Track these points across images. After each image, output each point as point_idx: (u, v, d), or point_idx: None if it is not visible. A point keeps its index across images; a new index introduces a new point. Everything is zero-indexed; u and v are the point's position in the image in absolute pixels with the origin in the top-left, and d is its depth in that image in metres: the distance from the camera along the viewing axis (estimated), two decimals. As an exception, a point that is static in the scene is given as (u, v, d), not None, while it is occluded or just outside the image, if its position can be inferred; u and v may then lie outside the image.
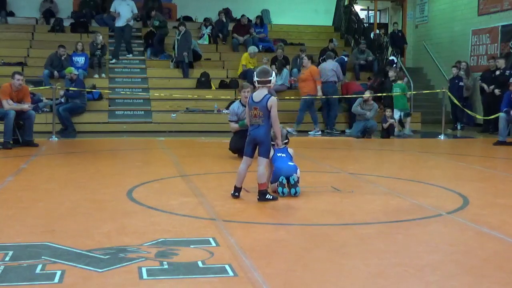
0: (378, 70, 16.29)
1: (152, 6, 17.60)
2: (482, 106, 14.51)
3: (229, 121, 9.27)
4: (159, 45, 16.63)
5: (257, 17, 18.41)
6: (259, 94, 5.75)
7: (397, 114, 13.56)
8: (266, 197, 5.73)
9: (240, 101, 9.18)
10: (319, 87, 13.71)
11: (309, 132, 13.57)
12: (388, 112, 13.18)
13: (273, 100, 5.69)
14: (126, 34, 16.10)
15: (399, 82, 14.09)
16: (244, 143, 8.91)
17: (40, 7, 19.00)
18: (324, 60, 14.74)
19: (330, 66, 14.11)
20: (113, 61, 15.90)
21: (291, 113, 14.45)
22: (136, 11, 16.24)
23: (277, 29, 19.62)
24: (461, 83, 14.75)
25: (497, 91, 13.35)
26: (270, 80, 5.73)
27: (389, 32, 19.86)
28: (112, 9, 16.21)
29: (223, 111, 13.79)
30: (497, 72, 13.67)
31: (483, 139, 13.16)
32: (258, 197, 5.75)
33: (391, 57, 16.51)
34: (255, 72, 5.88)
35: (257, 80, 5.76)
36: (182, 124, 14.04)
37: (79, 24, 17.48)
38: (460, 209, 5.52)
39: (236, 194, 5.88)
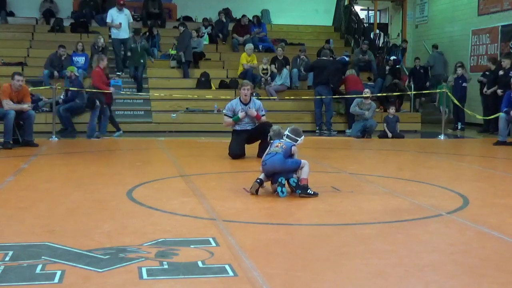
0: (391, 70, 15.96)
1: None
2: (482, 106, 14.50)
3: (224, 114, 9.28)
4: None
5: (254, 16, 18.41)
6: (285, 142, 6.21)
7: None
8: (307, 191, 5.90)
9: (239, 98, 9.18)
10: None
11: None
12: (391, 110, 13.20)
13: (296, 150, 6.18)
14: (126, 49, 15.18)
15: (443, 83, 15.52)
16: (242, 148, 9.02)
17: (40, 7, 19.02)
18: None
19: None
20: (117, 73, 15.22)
21: (291, 113, 14.49)
22: (131, 20, 15.54)
23: (277, 29, 19.63)
24: (464, 84, 14.75)
25: (499, 91, 13.34)
26: (297, 140, 6.25)
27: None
28: (108, 20, 15.29)
29: (223, 111, 13.78)
30: (501, 72, 13.65)
31: (483, 139, 13.16)
32: (299, 190, 5.92)
33: (393, 57, 16.49)
34: (288, 128, 6.36)
35: (287, 135, 6.27)
36: (182, 124, 14.04)
37: (79, 24, 17.47)
38: (460, 209, 5.52)
39: (259, 180, 6.03)
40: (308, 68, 14.69)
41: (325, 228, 4.82)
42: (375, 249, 4.15)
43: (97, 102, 11.87)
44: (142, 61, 14.95)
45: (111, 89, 12.22)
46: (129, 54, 14.94)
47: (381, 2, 21.39)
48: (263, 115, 9.15)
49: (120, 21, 15.07)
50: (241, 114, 8.97)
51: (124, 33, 15.17)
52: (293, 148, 6.13)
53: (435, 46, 17.84)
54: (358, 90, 13.60)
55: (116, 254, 3.90)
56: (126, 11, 15.38)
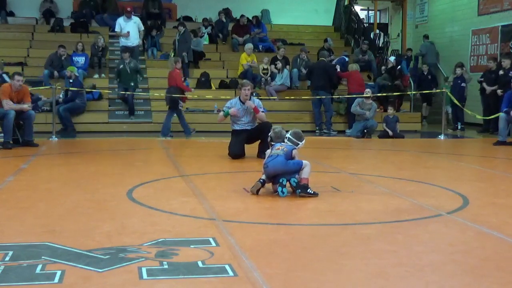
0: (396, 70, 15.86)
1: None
2: (482, 106, 14.50)
3: (222, 111, 9.31)
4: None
5: (253, 17, 18.40)
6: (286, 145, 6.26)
7: (449, 110, 15.19)
8: (307, 191, 5.92)
9: (239, 98, 9.18)
10: None
11: None
12: (390, 110, 13.20)
13: (296, 153, 6.22)
14: (135, 57, 14.90)
15: (445, 84, 15.76)
16: (242, 148, 9.02)
17: (40, 7, 19.02)
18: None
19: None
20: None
21: (291, 113, 14.49)
22: (142, 28, 15.39)
23: (277, 29, 19.63)
24: (463, 84, 14.74)
25: (499, 92, 13.34)
26: (298, 144, 6.29)
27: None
28: (117, 29, 15.20)
29: (223, 108, 13.77)
30: (501, 72, 13.65)
31: (483, 139, 13.16)
32: (299, 190, 5.92)
33: (392, 57, 16.47)
34: (290, 131, 6.41)
35: (289, 138, 6.32)
36: (182, 124, 14.01)
37: (79, 24, 17.47)
38: (460, 209, 5.52)
39: (261, 181, 6.05)
40: (306, 76, 14.78)
41: (325, 228, 4.82)
42: (375, 249, 4.15)
43: (180, 103, 12.26)
44: (132, 83, 13.89)
45: (192, 90, 12.54)
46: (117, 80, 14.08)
47: (381, 2, 21.39)
48: (262, 112, 9.17)
49: (129, 29, 15.00)
50: (231, 111, 8.99)
51: (132, 41, 15.01)
52: (293, 151, 6.15)
53: (426, 36, 18.36)
54: (361, 92, 13.59)
55: (116, 254, 3.90)
56: (135, 18, 15.30)
